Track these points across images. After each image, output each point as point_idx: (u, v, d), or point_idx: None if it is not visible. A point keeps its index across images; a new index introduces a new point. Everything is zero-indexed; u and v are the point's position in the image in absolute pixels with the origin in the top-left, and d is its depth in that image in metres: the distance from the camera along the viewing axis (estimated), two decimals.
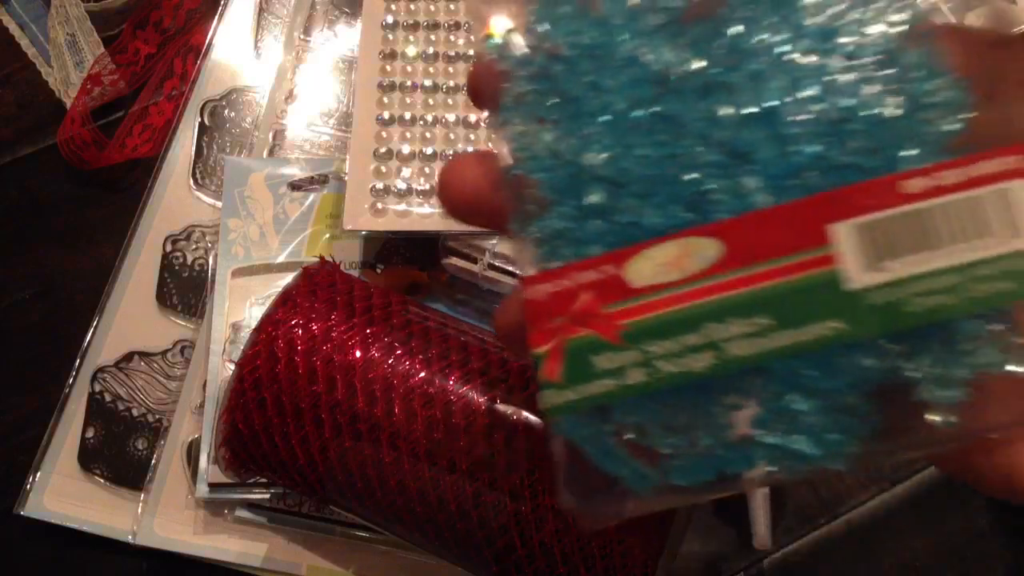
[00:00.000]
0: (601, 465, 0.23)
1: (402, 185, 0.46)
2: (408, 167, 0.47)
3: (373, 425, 0.36)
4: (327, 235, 0.49)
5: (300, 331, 0.38)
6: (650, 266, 0.22)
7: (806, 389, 0.22)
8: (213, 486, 0.45)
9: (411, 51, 0.49)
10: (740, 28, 0.22)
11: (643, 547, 0.35)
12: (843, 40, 0.22)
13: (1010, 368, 0.21)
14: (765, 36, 0.22)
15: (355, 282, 0.40)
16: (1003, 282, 0.21)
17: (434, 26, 0.49)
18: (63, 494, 0.46)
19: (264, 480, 0.42)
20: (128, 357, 0.49)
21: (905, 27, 0.22)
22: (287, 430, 0.37)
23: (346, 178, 0.47)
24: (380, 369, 0.37)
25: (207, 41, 0.54)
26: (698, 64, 0.22)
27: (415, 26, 0.49)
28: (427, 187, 0.46)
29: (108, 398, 0.48)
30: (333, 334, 0.38)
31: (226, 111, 0.53)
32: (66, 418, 0.47)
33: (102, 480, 0.47)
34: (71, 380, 0.48)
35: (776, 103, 0.22)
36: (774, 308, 0.21)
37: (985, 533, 0.47)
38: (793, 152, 0.22)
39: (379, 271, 0.48)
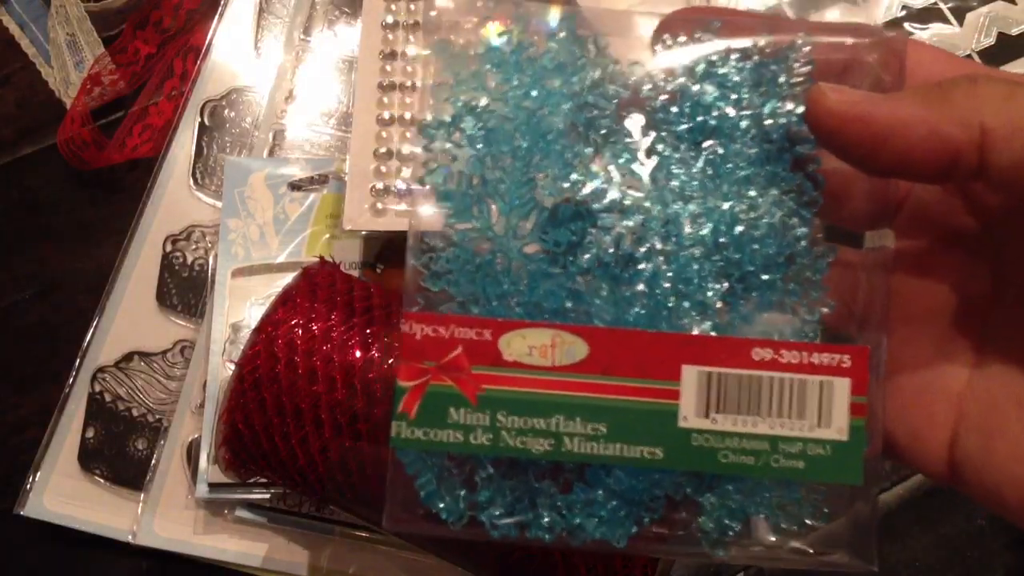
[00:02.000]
0: (426, 501, 0.26)
1: (402, 185, 0.46)
2: (408, 167, 0.47)
3: (373, 425, 0.36)
4: (327, 235, 0.49)
5: (300, 331, 0.38)
6: (523, 345, 0.25)
7: (609, 488, 0.25)
8: (213, 486, 0.45)
9: (411, 51, 0.49)
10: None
11: None
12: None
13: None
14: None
15: (355, 282, 0.40)
16: (797, 461, 0.25)
17: None
18: (63, 494, 0.46)
19: (264, 480, 0.42)
20: (128, 357, 0.49)
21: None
22: (287, 430, 0.37)
23: (346, 178, 0.47)
24: (380, 369, 0.37)
25: (207, 41, 0.54)
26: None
27: (415, 26, 0.49)
28: (427, 187, 0.46)
29: (108, 398, 0.48)
30: (333, 334, 0.38)
31: (226, 111, 0.53)
32: (66, 418, 0.47)
33: (102, 480, 0.47)
34: (71, 380, 0.48)
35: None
36: (614, 420, 0.25)
37: (985, 533, 0.47)
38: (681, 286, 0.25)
39: (379, 271, 0.48)
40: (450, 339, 0.25)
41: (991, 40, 0.51)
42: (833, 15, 0.51)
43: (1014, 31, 0.51)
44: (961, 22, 0.52)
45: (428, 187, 0.26)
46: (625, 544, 0.25)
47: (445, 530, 0.26)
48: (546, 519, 0.26)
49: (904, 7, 0.52)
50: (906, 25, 0.52)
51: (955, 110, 0.22)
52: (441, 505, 0.26)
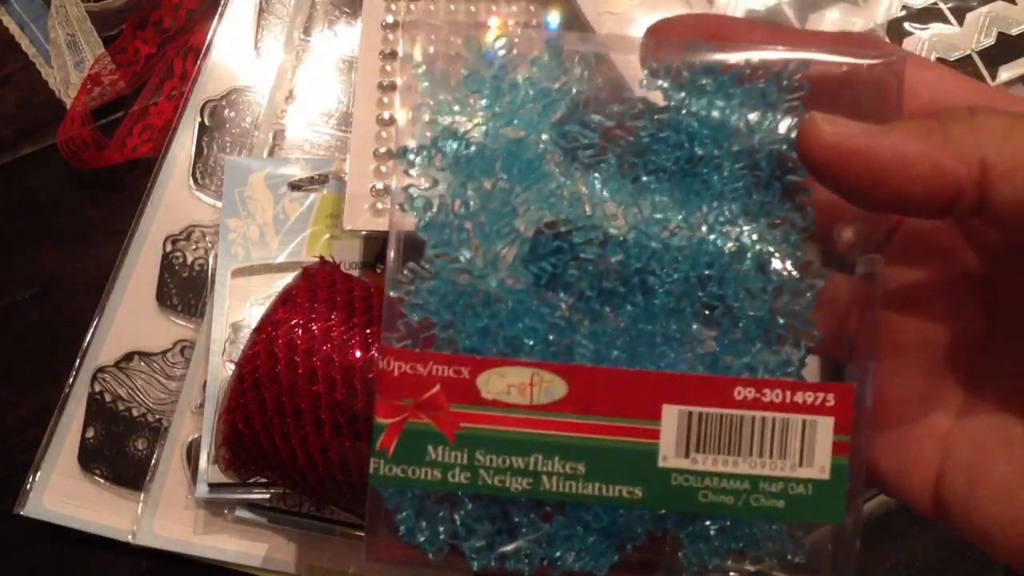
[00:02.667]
0: (406, 536, 0.26)
1: None
2: None
3: None
4: (327, 235, 0.49)
5: (300, 331, 0.38)
6: (501, 384, 0.24)
7: (588, 524, 0.25)
8: (213, 486, 0.45)
9: None
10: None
11: None
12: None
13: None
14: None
15: (355, 282, 0.40)
16: (778, 500, 0.24)
17: None
18: (63, 494, 0.46)
19: (264, 480, 0.42)
20: (128, 357, 0.49)
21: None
22: (287, 430, 0.37)
23: (346, 178, 0.47)
24: None
25: (207, 41, 0.54)
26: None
27: None
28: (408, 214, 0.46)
29: (108, 398, 0.48)
30: (333, 334, 0.38)
31: (226, 111, 0.53)
32: (66, 418, 0.47)
33: (102, 480, 0.47)
34: (71, 380, 0.48)
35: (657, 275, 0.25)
36: (593, 459, 0.24)
37: None
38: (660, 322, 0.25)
39: (379, 271, 0.48)
40: (428, 377, 0.24)
41: (991, 40, 0.51)
42: (833, 16, 0.51)
43: (1014, 31, 0.51)
44: (961, 22, 0.52)
45: (410, 213, 0.26)
46: (606, 573, 0.25)
47: (425, 561, 0.26)
48: (526, 551, 0.25)
49: (904, 7, 0.52)
50: (906, 25, 0.52)
51: (955, 145, 0.21)
52: (421, 539, 0.26)
